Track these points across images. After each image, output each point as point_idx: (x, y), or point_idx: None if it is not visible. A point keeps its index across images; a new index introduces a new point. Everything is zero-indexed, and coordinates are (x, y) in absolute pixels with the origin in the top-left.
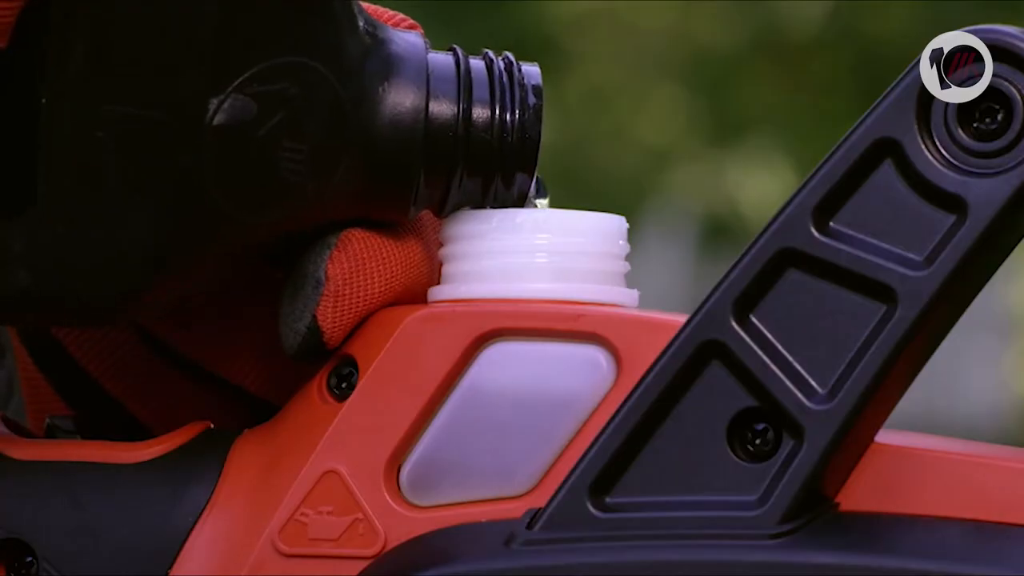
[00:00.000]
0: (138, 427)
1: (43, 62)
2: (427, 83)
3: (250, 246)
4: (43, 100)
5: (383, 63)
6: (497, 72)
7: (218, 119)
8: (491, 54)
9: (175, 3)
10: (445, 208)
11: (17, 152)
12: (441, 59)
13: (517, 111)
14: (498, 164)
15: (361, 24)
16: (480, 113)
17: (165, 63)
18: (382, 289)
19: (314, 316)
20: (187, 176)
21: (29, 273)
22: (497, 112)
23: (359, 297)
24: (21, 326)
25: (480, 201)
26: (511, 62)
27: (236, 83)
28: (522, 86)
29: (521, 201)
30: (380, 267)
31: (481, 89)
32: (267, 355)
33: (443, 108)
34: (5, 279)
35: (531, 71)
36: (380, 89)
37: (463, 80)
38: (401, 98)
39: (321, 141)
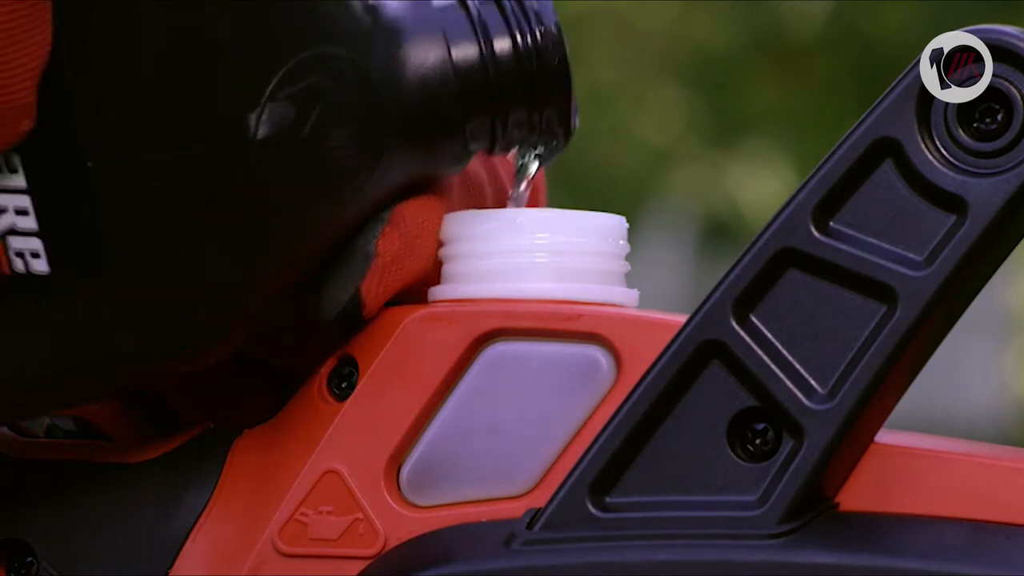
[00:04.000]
0: (166, 412)
1: (78, 127)
2: (443, 33)
3: (321, 244)
4: (88, 165)
5: (392, 26)
6: (505, 1)
7: (261, 132)
8: None
9: (189, 33)
10: (497, 147)
11: (81, 219)
12: (447, 5)
13: (537, 32)
14: (535, 88)
15: None
16: (502, 46)
17: (195, 93)
18: (424, 265)
19: (358, 289)
20: (245, 195)
21: (116, 337)
22: (518, 39)
23: (403, 272)
24: (122, 392)
25: (529, 131)
26: None
27: (268, 92)
28: (534, 10)
29: (567, 123)
30: (427, 243)
31: (496, 23)
32: (308, 337)
33: (466, 52)
34: (98, 348)
35: None
36: (400, 52)
37: (476, 19)
38: (423, 55)
39: (362, 120)
